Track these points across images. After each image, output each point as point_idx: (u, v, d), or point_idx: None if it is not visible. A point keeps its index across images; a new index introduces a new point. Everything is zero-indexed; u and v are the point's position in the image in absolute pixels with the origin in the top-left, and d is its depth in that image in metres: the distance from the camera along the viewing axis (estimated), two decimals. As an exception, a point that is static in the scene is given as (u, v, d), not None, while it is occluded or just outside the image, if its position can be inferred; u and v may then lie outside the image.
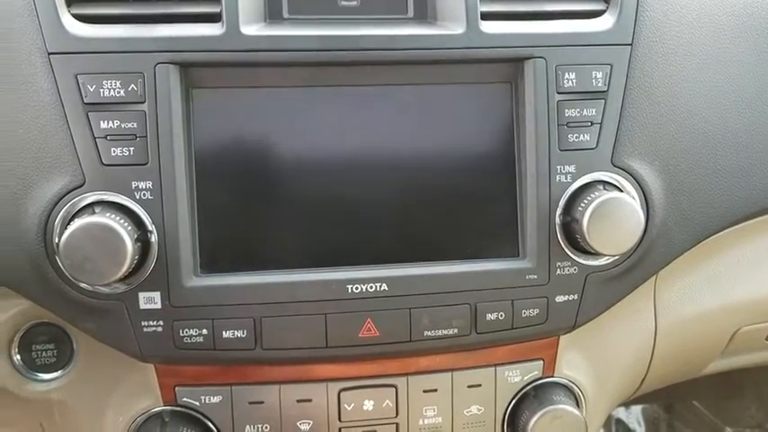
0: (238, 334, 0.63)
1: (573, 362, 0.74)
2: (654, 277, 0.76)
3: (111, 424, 0.69)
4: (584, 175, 0.66)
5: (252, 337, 0.63)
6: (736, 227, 0.77)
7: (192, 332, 0.62)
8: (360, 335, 0.64)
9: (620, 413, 1.82)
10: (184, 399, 0.66)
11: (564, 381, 0.73)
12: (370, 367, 0.68)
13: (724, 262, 0.81)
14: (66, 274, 0.59)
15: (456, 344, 0.66)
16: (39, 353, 0.69)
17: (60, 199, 0.60)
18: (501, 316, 0.66)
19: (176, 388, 0.66)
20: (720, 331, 0.84)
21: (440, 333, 0.65)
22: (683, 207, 0.70)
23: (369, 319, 0.64)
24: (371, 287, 0.64)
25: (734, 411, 1.88)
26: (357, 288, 0.63)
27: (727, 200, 0.73)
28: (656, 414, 1.86)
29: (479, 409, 0.70)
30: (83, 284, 0.60)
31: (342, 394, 0.68)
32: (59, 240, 0.57)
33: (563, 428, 0.69)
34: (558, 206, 0.65)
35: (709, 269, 0.81)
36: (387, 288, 0.64)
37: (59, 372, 0.70)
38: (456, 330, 0.65)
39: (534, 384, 0.71)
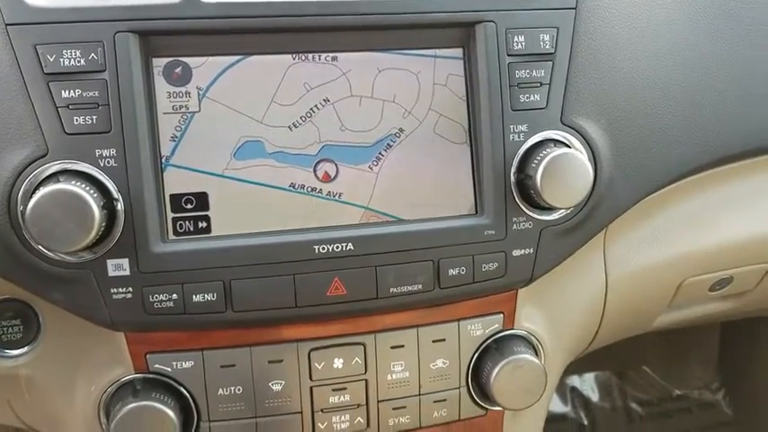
0: (208, 297, 0.64)
1: (531, 315, 0.77)
2: (603, 232, 0.80)
3: (81, 396, 0.69)
4: (535, 133, 0.69)
5: (222, 301, 0.64)
6: (677, 183, 0.82)
7: (162, 297, 0.63)
8: (328, 293, 0.66)
9: (575, 381, 1.88)
10: (156, 365, 0.67)
11: (523, 333, 0.76)
12: (338, 327, 0.69)
13: (667, 217, 0.86)
14: (33, 243, 0.60)
15: (421, 300, 0.69)
16: (4, 329, 0.69)
17: (24, 169, 0.60)
18: (462, 271, 0.69)
19: (147, 355, 0.67)
20: (666, 283, 0.88)
21: (405, 289, 0.68)
22: (626, 164, 0.74)
23: (336, 278, 0.66)
24: (338, 247, 0.65)
25: (681, 374, 1.96)
26: (324, 248, 0.65)
27: (668, 157, 0.78)
28: (608, 380, 1.93)
29: (444, 363, 0.73)
30: (50, 254, 0.60)
31: (312, 354, 0.69)
32: (25, 209, 0.57)
33: (524, 377, 0.72)
34: (512, 165, 0.69)
35: (654, 224, 0.85)
36: (352, 247, 0.66)
37: (26, 347, 0.69)
38: (420, 286, 0.68)
39: (495, 337, 0.74)
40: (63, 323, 0.68)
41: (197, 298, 0.64)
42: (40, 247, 0.60)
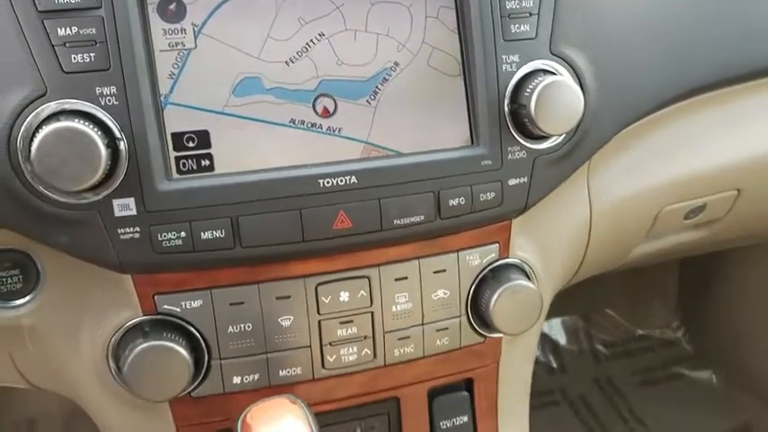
0: (217, 234, 0.64)
1: (523, 245, 0.80)
2: (587, 166, 0.83)
3: (88, 342, 0.68)
4: (526, 63, 0.71)
5: (230, 237, 0.64)
6: (654, 115, 0.85)
7: (171, 236, 0.63)
8: (334, 227, 0.67)
9: (544, 327, 1.94)
10: (165, 306, 0.67)
11: (517, 261, 0.78)
12: (343, 261, 0.70)
13: (644, 149, 0.89)
14: (36, 185, 0.59)
15: (423, 231, 0.70)
16: (3, 280, 0.68)
17: (23, 110, 0.58)
18: (461, 201, 0.70)
19: (155, 296, 0.66)
20: (645, 213, 0.92)
21: (408, 221, 0.69)
22: (610, 93, 0.77)
23: (341, 212, 0.67)
24: (341, 180, 0.66)
25: (643, 315, 2.05)
26: (328, 182, 0.66)
27: (647, 87, 0.81)
28: (574, 324, 2.00)
29: (445, 293, 0.75)
30: (53, 196, 0.60)
31: (319, 288, 0.70)
32: (27, 149, 0.56)
33: (521, 302, 0.75)
34: (505, 95, 0.70)
35: (633, 156, 0.89)
36: (356, 181, 0.67)
37: (27, 297, 0.68)
38: (422, 217, 0.69)
39: (492, 267, 0.77)
40: (64, 270, 0.67)
41: (205, 235, 0.64)
42: (42, 188, 0.59)
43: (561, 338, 1.97)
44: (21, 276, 0.68)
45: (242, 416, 0.58)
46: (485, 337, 0.78)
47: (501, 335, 0.79)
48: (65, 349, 0.70)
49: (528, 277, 0.79)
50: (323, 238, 0.67)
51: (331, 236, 0.67)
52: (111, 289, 0.67)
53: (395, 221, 0.69)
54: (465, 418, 0.80)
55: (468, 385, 0.81)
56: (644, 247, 1.00)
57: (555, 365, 1.93)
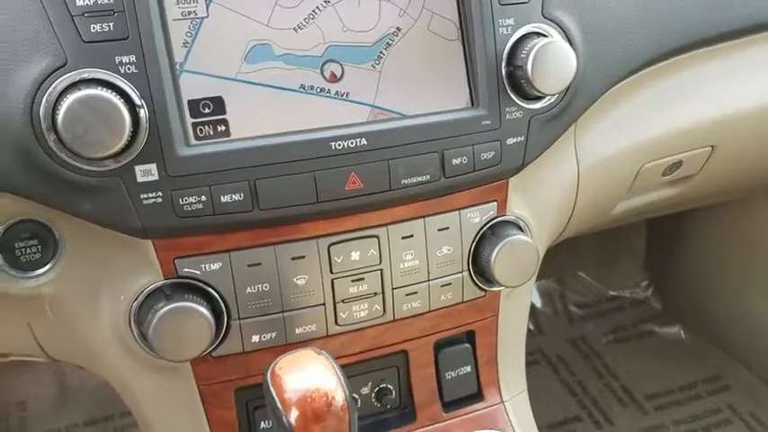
0: (236, 197, 0.66)
1: (519, 203, 0.84)
2: (574, 127, 0.87)
3: (108, 308, 0.70)
4: (521, 27, 0.74)
5: (249, 200, 0.67)
6: (636, 75, 0.89)
7: (192, 199, 0.65)
8: (346, 188, 0.70)
9: (520, 291, 2.00)
10: (185, 269, 0.69)
11: (513, 218, 0.82)
12: (354, 221, 0.73)
13: (626, 108, 0.94)
14: (61, 152, 0.60)
15: (428, 190, 0.74)
16: (23, 251, 0.69)
17: (44, 80, 0.59)
18: (464, 161, 0.74)
19: (176, 260, 0.69)
20: (627, 170, 0.97)
21: (415, 180, 0.72)
22: (596, 54, 0.81)
23: (353, 173, 0.70)
24: (352, 143, 0.69)
25: (614, 277, 2.13)
26: (339, 145, 0.69)
27: (629, 49, 0.85)
28: (549, 288, 2.07)
29: (449, 249, 0.78)
30: (76, 164, 0.61)
31: (331, 248, 0.73)
32: (55, 117, 0.58)
33: (520, 256, 0.79)
34: (502, 58, 0.74)
35: (615, 116, 0.93)
36: (366, 143, 0.70)
37: (47, 266, 0.70)
38: (428, 177, 0.73)
39: (491, 224, 0.80)
40: (82, 238, 0.69)
41: (225, 198, 0.66)
42: (65, 157, 0.61)
43: (537, 301, 2.04)
44: (39, 246, 0.69)
45: (270, 367, 0.61)
46: (485, 291, 0.82)
47: (500, 288, 0.83)
48: (85, 316, 0.71)
49: (524, 233, 0.83)
50: (336, 199, 0.70)
51: (343, 196, 0.70)
52: (132, 255, 0.69)
53: (403, 181, 0.72)
54: (468, 369, 0.84)
55: (470, 337, 0.85)
56: (625, 204, 1.05)
57: (532, 327, 2.00)
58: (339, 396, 0.59)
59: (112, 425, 1.55)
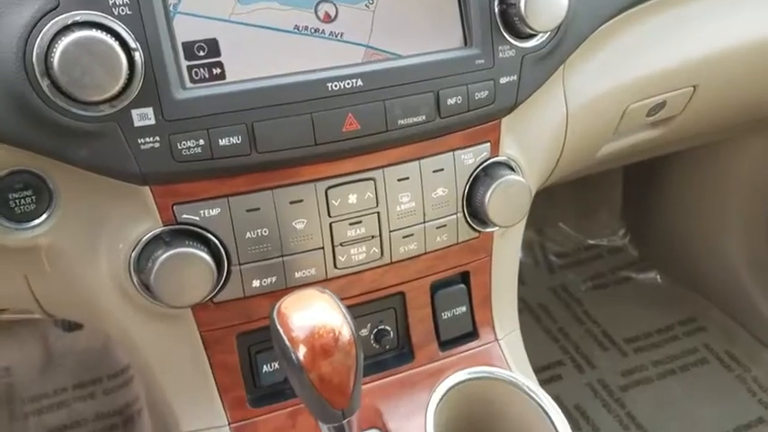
0: (234, 141, 0.66)
1: (511, 144, 0.84)
2: (562, 68, 0.88)
3: (107, 257, 0.70)
4: None
5: (247, 143, 0.66)
6: (620, 16, 0.90)
7: (190, 143, 0.65)
8: (343, 129, 0.70)
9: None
10: (184, 216, 0.69)
11: (506, 159, 0.83)
12: (350, 164, 0.74)
13: (612, 50, 0.95)
14: (56, 97, 0.59)
15: (424, 130, 0.74)
16: (17, 201, 0.68)
17: (36, 23, 0.58)
18: (459, 100, 0.74)
19: (174, 207, 0.68)
20: (613, 110, 0.98)
21: (411, 121, 0.72)
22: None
23: (350, 114, 0.70)
24: (348, 83, 0.69)
25: (591, 226, 2.16)
26: (336, 85, 0.68)
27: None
28: (529, 239, 2.10)
29: (444, 191, 0.79)
30: (72, 109, 0.60)
31: (329, 192, 0.73)
32: (48, 60, 0.57)
33: (514, 195, 0.80)
34: None
35: (602, 57, 0.94)
36: (362, 83, 0.69)
37: (43, 216, 0.69)
38: (424, 117, 0.73)
39: (484, 165, 0.81)
40: (77, 187, 0.68)
41: (223, 142, 0.66)
42: (60, 102, 0.60)
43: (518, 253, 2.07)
44: (34, 197, 0.68)
45: (276, 307, 0.61)
46: (479, 232, 0.84)
47: (494, 229, 0.84)
48: (84, 267, 0.71)
49: (516, 173, 0.84)
50: (333, 141, 0.70)
51: (341, 138, 0.70)
52: (129, 202, 0.68)
53: (399, 122, 0.72)
54: (463, 308, 0.86)
55: (465, 278, 0.86)
56: (611, 146, 1.07)
57: (514, 278, 2.03)
58: (345, 331, 0.60)
59: (101, 387, 1.55)
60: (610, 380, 1.79)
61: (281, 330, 0.60)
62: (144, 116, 0.63)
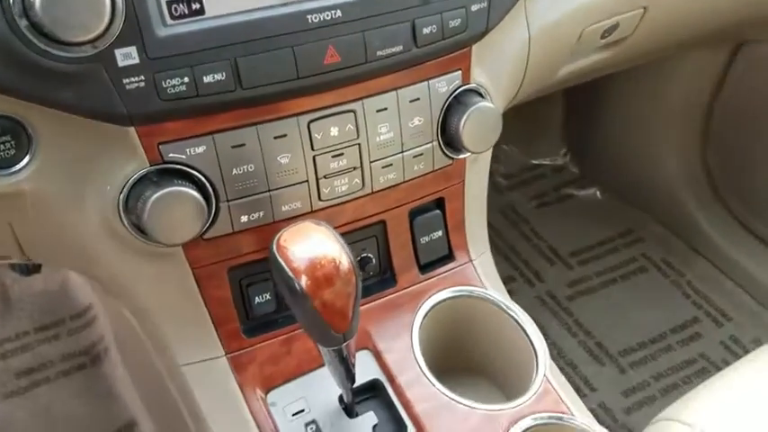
0: (218, 77, 0.66)
1: (480, 71, 0.86)
2: (524, -4, 0.90)
3: (94, 199, 0.69)
4: None
5: (231, 79, 0.66)
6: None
7: (175, 81, 0.64)
8: (325, 62, 0.70)
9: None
10: (170, 155, 0.69)
11: (476, 86, 0.85)
12: (331, 97, 0.74)
13: (570, -26, 0.97)
14: (37, 39, 0.57)
15: (402, 60, 0.75)
16: (-5, 147, 0.66)
17: None
18: (434, 29, 0.75)
19: (160, 146, 0.68)
20: (571, 33, 1.01)
21: (389, 51, 0.73)
22: None
23: (331, 46, 0.70)
24: (328, 15, 0.69)
25: (535, 147, 2.23)
26: (316, 17, 0.68)
27: None
28: (477, 161, 2.14)
29: (420, 120, 0.81)
30: (55, 51, 0.59)
31: (311, 125, 0.74)
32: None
33: (486, 122, 0.83)
34: None
35: (561, -19, 0.96)
36: (341, 14, 0.69)
37: (24, 160, 0.67)
38: (401, 47, 0.74)
39: (456, 93, 0.83)
40: (59, 129, 0.66)
41: (207, 79, 0.65)
42: (41, 44, 0.58)
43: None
44: (13, 142, 0.66)
45: (275, 241, 0.63)
46: (452, 159, 0.86)
47: (466, 155, 0.87)
48: (70, 212, 0.70)
49: (485, 100, 0.86)
50: (315, 74, 0.70)
51: (322, 71, 0.71)
52: (114, 144, 0.67)
53: (378, 53, 0.73)
54: (440, 233, 0.90)
55: (440, 204, 0.89)
56: (568, 68, 1.10)
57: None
58: (344, 260, 0.62)
59: (65, 328, 1.54)
60: (557, 291, 1.90)
61: (282, 262, 0.62)
62: (127, 55, 0.62)
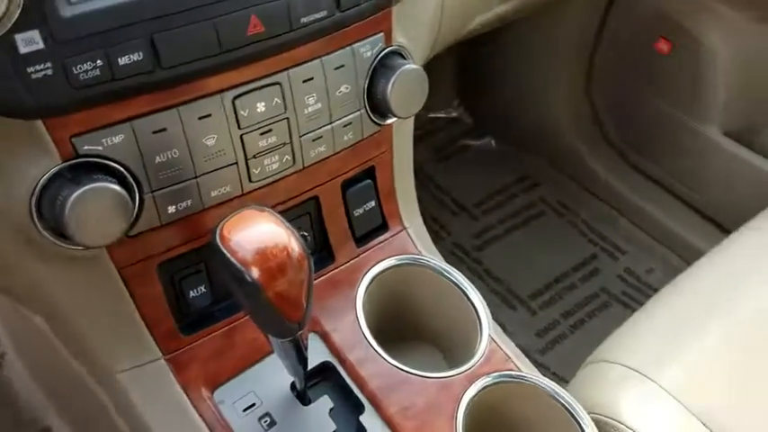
0: (134, 57, 0.59)
1: (400, 32, 0.83)
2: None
3: (3, 204, 0.61)
4: None
5: (149, 58, 0.60)
6: None
7: (87, 66, 0.57)
8: (248, 33, 0.65)
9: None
10: (85, 147, 0.61)
11: (398, 48, 0.82)
12: (254, 69, 0.69)
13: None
14: None
15: (326, 26, 0.71)
16: None
17: None
18: None
19: (73, 139, 0.61)
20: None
21: (312, 18, 0.69)
22: None
23: (253, 15, 0.65)
24: None
25: (430, 101, 2.21)
26: None
27: None
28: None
29: (347, 88, 0.77)
30: None
31: (236, 102, 0.69)
32: None
33: (412, 84, 0.81)
34: None
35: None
36: None
37: None
38: (325, 12, 0.70)
39: (380, 56, 0.80)
40: None
41: (123, 60, 0.58)
42: None
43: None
44: None
45: (217, 231, 0.58)
46: (380, 126, 0.83)
47: (392, 120, 0.85)
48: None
49: (407, 61, 0.84)
50: (239, 47, 0.65)
51: (246, 43, 0.65)
52: (20, 141, 0.59)
53: (302, 20, 0.68)
54: (372, 203, 0.87)
55: (371, 174, 0.86)
56: (478, 19, 1.09)
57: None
58: (295, 246, 0.58)
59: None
60: (465, 242, 1.93)
61: (227, 254, 0.57)
62: (30, 41, 0.54)
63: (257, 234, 0.58)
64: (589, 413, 0.78)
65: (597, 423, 0.78)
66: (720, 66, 1.60)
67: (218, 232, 0.58)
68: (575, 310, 1.79)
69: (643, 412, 0.88)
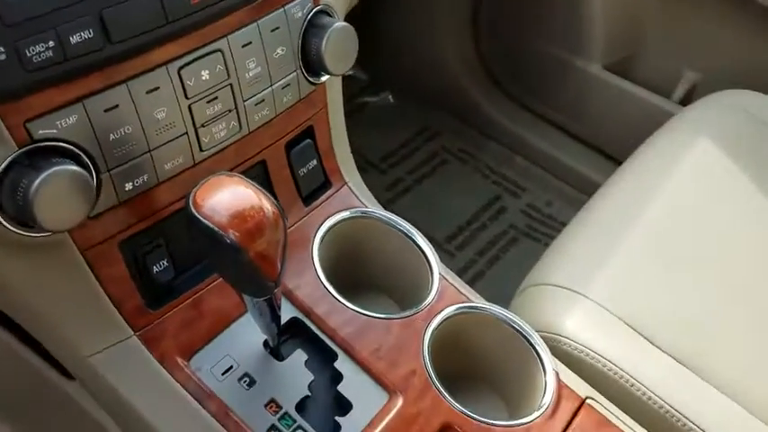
0: (86, 35, 0.58)
1: (325, -8, 0.85)
2: None
3: None
4: None
5: (99, 34, 0.59)
6: None
7: (40, 48, 0.56)
8: (193, 2, 0.65)
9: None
10: (40, 132, 0.60)
11: (325, 7, 0.84)
12: (195, 39, 0.69)
13: None
14: None
15: None
16: None
17: None
18: None
19: (26, 124, 0.59)
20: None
21: None
22: None
23: None
24: None
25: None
26: None
27: None
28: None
29: (283, 50, 0.79)
30: None
31: (181, 73, 0.69)
32: None
33: (344, 42, 0.83)
34: None
35: None
36: None
37: None
38: None
39: (310, 17, 0.81)
40: None
41: (75, 38, 0.58)
42: None
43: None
44: None
45: (190, 200, 0.59)
46: (315, 85, 0.86)
47: (326, 78, 0.87)
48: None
49: (335, 19, 0.86)
50: (184, 16, 0.65)
51: (190, 11, 0.66)
52: (-31, 130, 0.57)
53: None
54: (314, 162, 0.89)
55: (310, 133, 0.89)
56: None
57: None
58: (269, 206, 0.60)
59: None
60: (378, 196, 1.97)
61: (203, 220, 0.58)
62: None
63: (231, 197, 0.59)
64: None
65: (543, 341, 0.85)
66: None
67: (191, 200, 0.59)
68: (489, 248, 1.89)
69: (579, 324, 0.97)
